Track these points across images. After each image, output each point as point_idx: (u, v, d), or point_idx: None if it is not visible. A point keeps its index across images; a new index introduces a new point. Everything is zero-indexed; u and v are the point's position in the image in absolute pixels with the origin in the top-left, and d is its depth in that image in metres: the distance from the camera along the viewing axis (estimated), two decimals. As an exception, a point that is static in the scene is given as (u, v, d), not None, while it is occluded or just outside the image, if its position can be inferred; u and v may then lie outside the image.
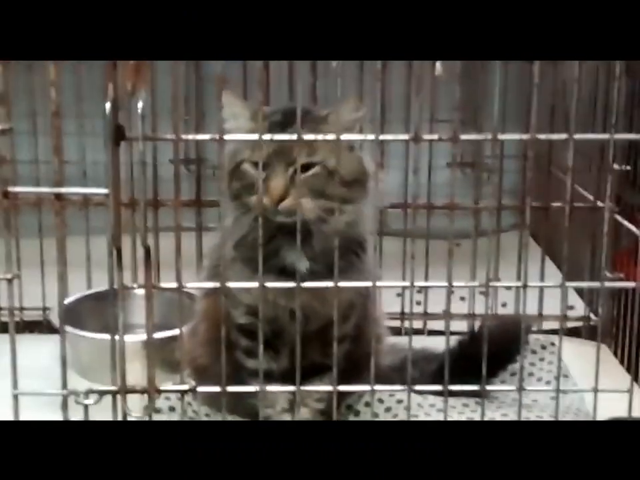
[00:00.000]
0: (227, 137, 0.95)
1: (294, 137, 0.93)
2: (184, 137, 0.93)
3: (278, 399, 1.27)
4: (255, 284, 0.96)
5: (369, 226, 1.28)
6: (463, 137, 0.93)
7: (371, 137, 0.94)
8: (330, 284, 0.97)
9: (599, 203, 1.68)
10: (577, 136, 0.93)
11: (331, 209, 1.17)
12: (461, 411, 1.37)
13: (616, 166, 1.54)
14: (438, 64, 1.65)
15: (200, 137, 0.98)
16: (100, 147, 1.86)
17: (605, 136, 0.97)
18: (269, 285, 0.97)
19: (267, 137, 0.94)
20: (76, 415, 0.95)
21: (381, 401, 1.37)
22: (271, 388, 1.09)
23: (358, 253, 1.25)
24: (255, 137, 0.95)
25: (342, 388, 1.01)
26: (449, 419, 1.08)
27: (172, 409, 1.32)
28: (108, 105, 0.87)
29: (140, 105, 0.88)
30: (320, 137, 1.01)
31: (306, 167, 1.17)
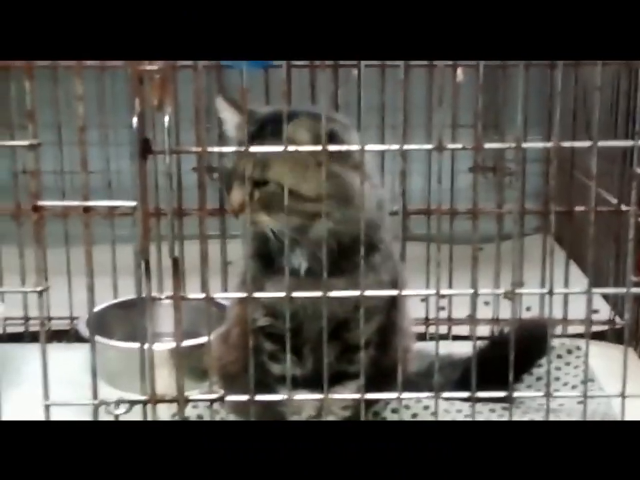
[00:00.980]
0: (252, 149, 0.96)
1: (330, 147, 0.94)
2: (209, 149, 0.94)
3: (305, 407, 1.27)
4: (281, 293, 0.98)
5: (385, 227, 1.27)
6: (486, 145, 0.94)
7: (395, 146, 0.95)
8: (356, 293, 0.98)
9: (623, 206, 1.67)
10: (601, 143, 0.93)
11: (298, 224, 1.17)
12: (488, 416, 1.37)
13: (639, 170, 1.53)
14: (459, 70, 1.65)
15: (225, 149, 0.99)
16: (123, 156, 1.89)
17: (629, 142, 0.97)
18: (296, 294, 0.98)
19: (291, 148, 0.95)
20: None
21: (407, 407, 1.37)
22: (300, 396, 1.10)
23: (367, 254, 1.22)
24: (279, 148, 0.95)
25: (369, 396, 1.01)
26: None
27: (200, 417, 1.33)
28: (135, 120, 0.88)
29: (166, 119, 0.89)
30: (347, 147, 1.02)
31: (264, 183, 1.18)
